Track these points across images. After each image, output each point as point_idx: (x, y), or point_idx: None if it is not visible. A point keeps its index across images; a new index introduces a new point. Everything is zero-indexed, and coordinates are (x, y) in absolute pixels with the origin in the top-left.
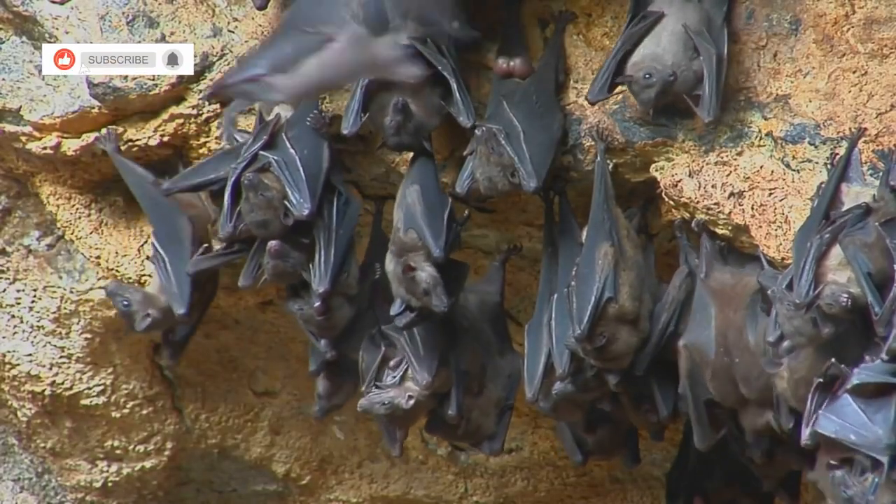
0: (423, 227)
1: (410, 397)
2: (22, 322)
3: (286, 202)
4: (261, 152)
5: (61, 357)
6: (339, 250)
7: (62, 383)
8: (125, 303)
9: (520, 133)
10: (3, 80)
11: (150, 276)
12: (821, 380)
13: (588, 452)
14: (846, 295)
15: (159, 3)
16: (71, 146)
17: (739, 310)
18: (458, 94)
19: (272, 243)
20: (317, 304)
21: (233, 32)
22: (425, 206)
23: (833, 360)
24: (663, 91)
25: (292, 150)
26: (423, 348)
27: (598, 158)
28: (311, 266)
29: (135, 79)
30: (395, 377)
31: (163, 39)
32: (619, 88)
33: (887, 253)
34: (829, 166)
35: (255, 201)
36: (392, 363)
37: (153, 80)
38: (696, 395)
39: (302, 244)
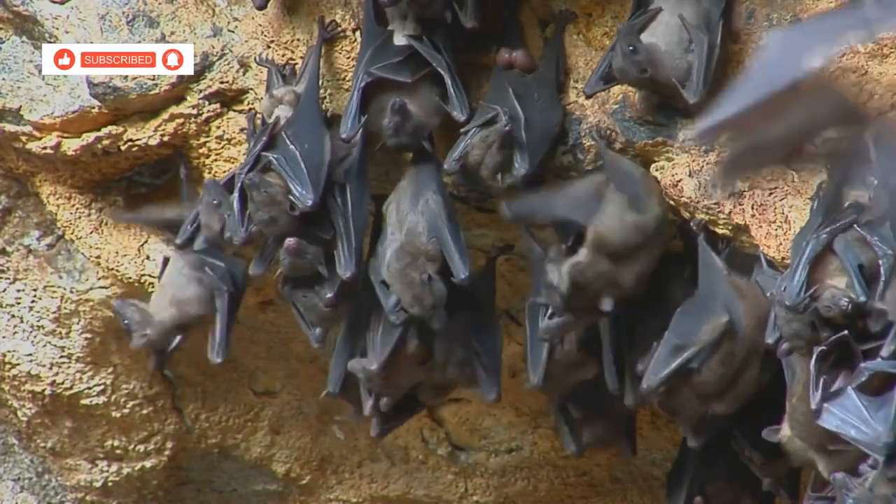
0: (451, 244)
1: None
2: (22, 322)
3: (290, 196)
4: (262, 153)
5: (61, 357)
6: (358, 236)
7: (62, 383)
8: (125, 321)
9: (521, 119)
10: (3, 80)
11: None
12: (823, 348)
13: (585, 444)
14: (847, 299)
15: (159, 3)
16: (71, 146)
17: (763, 331)
18: (452, 89)
19: (290, 241)
20: (329, 294)
21: (233, 32)
22: (451, 224)
23: (846, 332)
24: (630, 44)
25: (292, 147)
26: (381, 332)
27: (604, 156)
28: (334, 253)
29: (135, 79)
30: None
31: (163, 39)
32: (622, 87)
33: (873, 249)
34: (829, 166)
35: (259, 200)
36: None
37: (153, 80)
38: (691, 360)
39: (318, 238)
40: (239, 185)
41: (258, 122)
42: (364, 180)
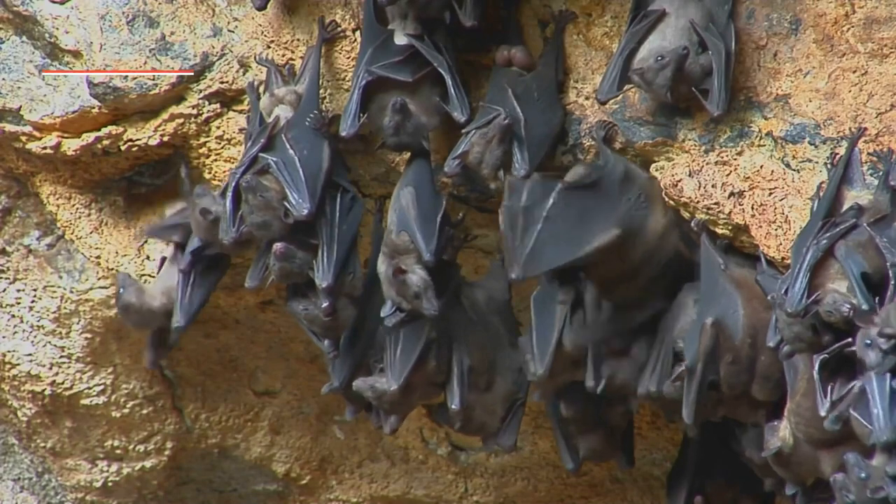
0: (415, 230)
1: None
2: (22, 322)
3: (286, 203)
4: (260, 154)
5: (61, 357)
6: (342, 247)
7: (62, 383)
8: (120, 285)
9: (521, 120)
10: (3, 80)
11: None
12: (825, 356)
13: (581, 458)
14: (848, 305)
15: (159, 3)
16: (71, 146)
17: (770, 309)
18: (452, 90)
19: (277, 246)
20: (325, 303)
21: (233, 32)
22: (418, 209)
23: (849, 339)
24: (679, 69)
25: (291, 151)
26: (400, 352)
27: (601, 148)
28: (314, 263)
29: (135, 79)
30: (381, 368)
31: (163, 39)
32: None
33: (880, 251)
34: (829, 166)
35: (254, 203)
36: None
37: (153, 80)
38: (705, 373)
39: (308, 244)
40: (234, 185)
41: (260, 105)
42: (355, 192)
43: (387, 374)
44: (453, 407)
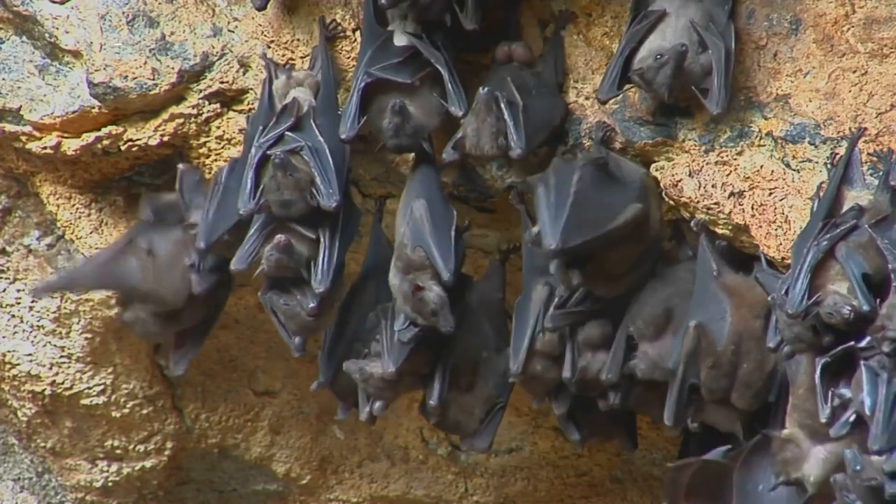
0: (432, 247)
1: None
2: (22, 322)
3: (313, 189)
4: (288, 133)
5: (61, 357)
6: (341, 253)
7: (62, 383)
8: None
9: (519, 104)
10: (3, 80)
11: None
12: (827, 359)
13: (585, 435)
14: (849, 307)
15: (159, 3)
16: (71, 146)
17: (759, 318)
18: (450, 85)
19: (281, 237)
20: (313, 304)
21: (233, 32)
22: (433, 224)
23: (852, 342)
24: (678, 67)
25: (321, 138)
26: (397, 338)
27: (596, 147)
28: (312, 265)
29: (135, 78)
30: (366, 353)
31: (163, 39)
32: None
33: (882, 253)
34: (829, 166)
35: (282, 180)
36: (377, 336)
37: (153, 79)
38: (686, 376)
39: (307, 239)
40: (259, 156)
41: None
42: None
43: (382, 358)
44: (431, 402)
